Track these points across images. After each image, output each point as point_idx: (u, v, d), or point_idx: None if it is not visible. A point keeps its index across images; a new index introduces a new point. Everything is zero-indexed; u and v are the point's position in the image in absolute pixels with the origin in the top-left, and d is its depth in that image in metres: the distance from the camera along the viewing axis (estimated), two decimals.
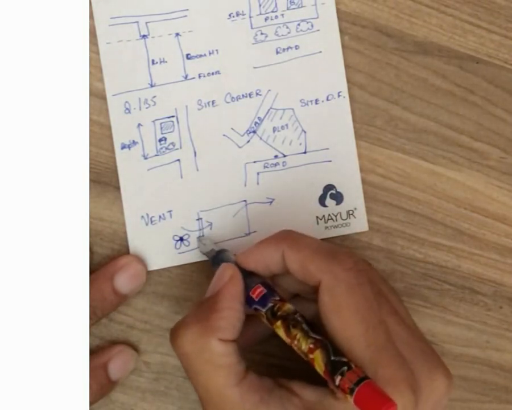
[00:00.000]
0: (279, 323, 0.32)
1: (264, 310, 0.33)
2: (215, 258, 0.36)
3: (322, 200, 0.39)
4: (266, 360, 0.39)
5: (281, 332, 0.32)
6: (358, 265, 0.33)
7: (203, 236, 0.38)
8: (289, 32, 0.39)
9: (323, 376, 0.30)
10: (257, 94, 0.39)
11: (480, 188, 0.40)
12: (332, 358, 0.30)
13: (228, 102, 0.38)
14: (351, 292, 0.32)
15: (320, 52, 0.39)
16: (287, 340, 0.32)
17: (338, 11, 0.39)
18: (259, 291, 0.33)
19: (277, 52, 0.39)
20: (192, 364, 0.32)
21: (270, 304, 0.33)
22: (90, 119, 0.38)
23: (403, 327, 0.33)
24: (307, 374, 0.32)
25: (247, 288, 0.33)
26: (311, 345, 0.31)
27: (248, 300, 0.33)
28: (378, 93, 0.39)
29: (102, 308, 0.36)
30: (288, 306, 0.32)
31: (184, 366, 0.33)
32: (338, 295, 0.32)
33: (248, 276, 0.34)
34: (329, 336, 0.31)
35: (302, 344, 0.31)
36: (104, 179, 0.38)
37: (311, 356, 0.31)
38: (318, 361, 0.30)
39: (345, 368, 0.30)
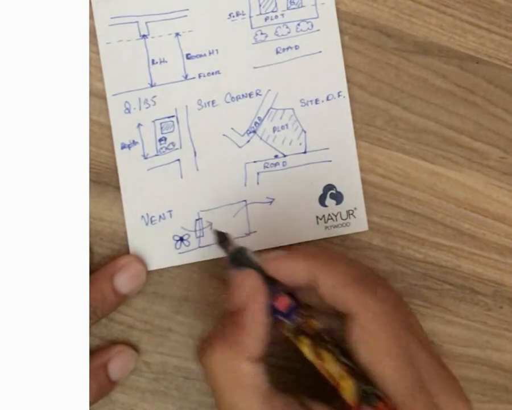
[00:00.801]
0: (306, 340, 0.31)
1: (289, 323, 0.32)
2: (235, 256, 0.34)
3: (322, 200, 0.39)
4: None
5: (306, 350, 0.31)
6: (392, 295, 0.32)
7: (226, 234, 0.36)
8: (289, 32, 0.39)
9: (351, 404, 0.30)
10: (257, 94, 0.39)
11: (480, 188, 0.40)
12: (363, 387, 0.30)
13: (228, 102, 0.38)
14: (384, 328, 0.31)
15: (320, 52, 0.39)
16: (313, 359, 0.31)
17: (338, 11, 0.39)
18: (285, 302, 0.32)
19: (277, 52, 0.39)
20: (219, 384, 0.31)
21: (297, 318, 0.32)
22: (90, 119, 0.38)
23: (430, 360, 0.32)
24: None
25: (271, 297, 0.32)
26: (341, 371, 0.30)
27: (270, 309, 0.32)
28: (378, 93, 0.39)
29: (102, 308, 0.36)
30: (315, 323, 0.32)
31: (210, 385, 0.32)
32: (370, 330, 0.31)
33: (271, 283, 0.32)
34: (357, 365, 0.31)
35: (330, 367, 0.30)
36: (104, 179, 0.38)
37: (339, 381, 0.30)
38: (347, 388, 0.30)
39: (376, 399, 0.29)
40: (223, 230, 0.35)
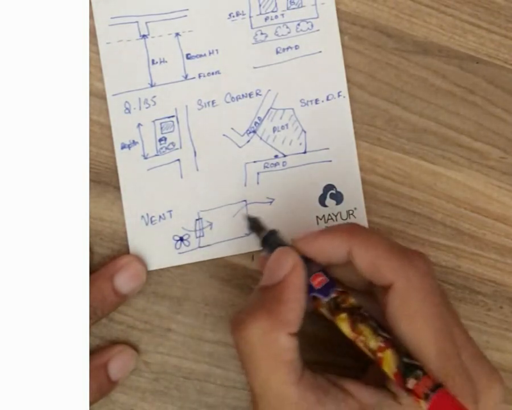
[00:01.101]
0: (343, 315, 0.31)
1: (326, 300, 0.32)
2: (267, 239, 0.35)
3: (322, 200, 0.39)
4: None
5: (344, 326, 0.31)
6: (431, 268, 0.32)
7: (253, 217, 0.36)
8: (289, 32, 0.39)
9: (393, 377, 0.30)
10: (257, 94, 0.39)
11: (480, 188, 0.40)
12: (405, 360, 0.30)
13: (228, 102, 0.38)
14: (424, 300, 0.31)
15: (320, 52, 0.39)
16: (351, 334, 0.31)
17: (338, 11, 0.39)
18: (320, 279, 0.32)
19: (277, 52, 0.39)
20: (254, 356, 0.31)
21: (333, 295, 0.31)
22: (90, 119, 0.38)
23: (466, 336, 0.32)
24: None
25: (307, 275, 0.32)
26: (381, 344, 0.30)
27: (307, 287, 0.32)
28: (378, 93, 0.39)
29: (102, 308, 0.36)
30: (352, 300, 0.31)
31: (243, 358, 0.31)
32: (411, 301, 0.31)
33: (307, 261, 0.32)
34: (395, 339, 0.31)
35: (370, 341, 0.30)
36: (104, 179, 0.38)
37: (380, 354, 0.30)
38: (388, 361, 0.30)
39: (420, 372, 0.29)
40: (255, 215, 0.36)
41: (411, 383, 0.29)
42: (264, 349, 0.31)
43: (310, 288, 0.32)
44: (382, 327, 0.31)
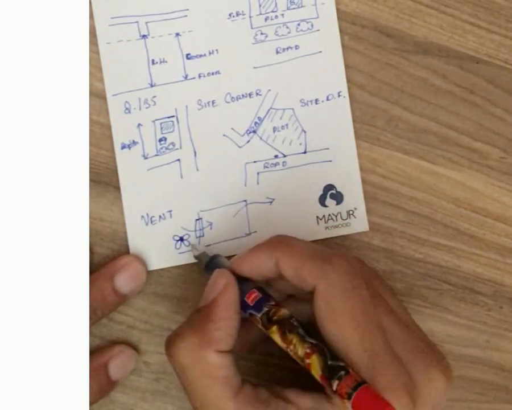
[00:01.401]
0: (274, 328, 0.32)
1: (259, 315, 0.32)
2: (209, 263, 0.36)
3: (322, 200, 0.39)
4: (264, 359, 0.39)
5: (276, 337, 0.32)
6: (353, 266, 0.32)
7: (198, 240, 0.38)
8: (289, 32, 0.39)
9: (320, 381, 0.30)
10: (257, 94, 0.39)
11: (480, 188, 0.40)
12: (329, 362, 0.30)
13: (228, 102, 0.38)
14: (346, 297, 0.31)
15: (320, 52, 0.39)
16: (283, 345, 0.31)
17: (338, 11, 0.39)
18: (254, 296, 0.33)
19: (277, 52, 0.39)
20: (188, 376, 0.32)
21: (265, 309, 0.32)
22: (90, 119, 0.38)
23: (400, 327, 0.32)
24: (303, 376, 0.31)
25: (242, 294, 0.33)
26: (307, 350, 0.31)
27: (243, 306, 0.33)
28: (378, 93, 0.39)
29: (102, 308, 0.36)
30: (284, 311, 0.32)
31: (179, 377, 0.32)
32: (333, 301, 0.31)
33: (243, 281, 0.34)
34: (325, 341, 0.31)
35: (298, 349, 0.31)
36: (104, 179, 0.38)
37: (307, 361, 0.30)
38: (315, 366, 0.30)
39: (343, 372, 0.29)
40: (195, 243, 0.38)
41: (335, 384, 0.29)
42: (194, 367, 0.31)
43: (246, 306, 0.33)
44: (311, 334, 0.31)
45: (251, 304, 0.33)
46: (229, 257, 0.35)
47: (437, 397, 0.32)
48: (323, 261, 0.32)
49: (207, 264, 0.36)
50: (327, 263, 0.32)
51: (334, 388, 0.29)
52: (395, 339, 0.32)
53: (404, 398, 0.30)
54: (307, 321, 0.32)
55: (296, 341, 0.31)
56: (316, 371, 0.30)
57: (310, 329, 0.32)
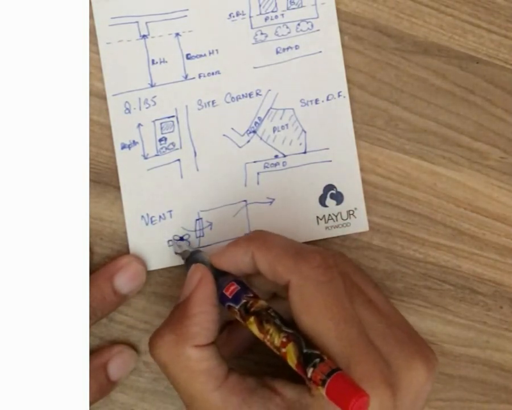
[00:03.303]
0: (252, 319, 0.32)
1: (237, 307, 0.32)
2: (189, 259, 0.36)
3: (322, 200, 0.39)
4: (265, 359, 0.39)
5: (254, 328, 0.32)
6: (327, 261, 0.32)
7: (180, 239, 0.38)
8: (289, 32, 0.39)
9: (296, 370, 0.30)
10: (257, 94, 0.39)
11: (480, 188, 0.40)
12: (304, 351, 0.30)
13: (228, 102, 0.38)
14: (319, 290, 0.31)
15: (320, 52, 0.39)
16: (260, 335, 0.32)
17: (338, 11, 0.39)
18: (232, 288, 0.33)
19: (277, 52, 0.39)
20: (171, 372, 0.32)
21: (243, 301, 0.32)
22: (90, 119, 0.38)
23: (378, 318, 0.32)
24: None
25: (221, 287, 0.33)
26: (283, 339, 0.31)
27: (222, 299, 0.33)
28: (378, 93, 0.39)
29: (102, 309, 0.36)
30: (261, 302, 0.32)
31: (165, 375, 0.33)
32: (306, 294, 0.31)
33: (222, 275, 0.34)
34: (302, 335, 0.31)
35: (275, 338, 0.31)
36: (104, 179, 0.38)
37: (283, 350, 0.31)
38: (291, 355, 0.30)
39: (317, 360, 0.29)
40: (179, 238, 0.38)
41: (310, 372, 0.29)
42: (175, 364, 0.32)
43: (225, 299, 0.33)
44: (288, 324, 0.31)
45: (230, 297, 0.33)
46: None
47: (418, 386, 0.32)
48: (297, 256, 0.32)
49: (187, 260, 0.36)
50: (300, 257, 0.32)
51: (309, 375, 0.29)
52: (374, 330, 0.32)
53: (382, 387, 0.30)
54: (287, 318, 0.32)
55: (273, 331, 0.31)
56: (292, 360, 0.30)
57: (289, 323, 0.32)
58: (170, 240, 0.38)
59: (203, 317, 0.32)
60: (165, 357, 0.32)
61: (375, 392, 0.29)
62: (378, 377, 0.30)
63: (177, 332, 0.32)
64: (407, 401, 0.31)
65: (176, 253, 0.37)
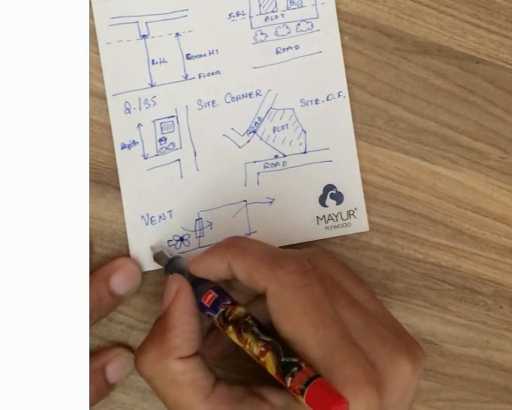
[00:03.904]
0: (230, 328, 0.31)
1: (216, 316, 0.32)
2: (168, 266, 0.36)
3: (322, 200, 0.39)
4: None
5: (234, 337, 0.31)
6: (303, 265, 0.32)
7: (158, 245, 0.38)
8: (289, 32, 0.39)
9: (276, 379, 0.30)
10: (257, 94, 0.39)
11: (480, 188, 0.40)
12: (283, 359, 0.30)
13: (228, 102, 0.38)
14: (297, 296, 0.31)
15: (320, 52, 0.39)
16: (240, 344, 0.31)
17: (338, 11, 0.39)
18: (210, 297, 0.33)
19: (277, 52, 0.39)
20: (158, 387, 0.32)
21: (221, 310, 0.32)
22: (90, 119, 0.38)
23: (361, 317, 0.32)
24: None
25: (200, 295, 0.33)
26: (262, 348, 0.30)
27: (201, 307, 0.33)
28: (378, 93, 0.39)
29: (98, 310, 0.36)
30: (239, 309, 0.32)
31: (153, 390, 0.33)
32: (284, 301, 0.31)
33: (201, 282, 0.33)
34: (283, 342, 0.31)
35: (253, 348, 0.31)
36: (104, 179, 0.38)
37: (262, 359, 0.30)
38: (270, 364, 0.30)
39: (295, 369, 0.29)
40: (157, 246, 0.37)
41: (289, 381, 0.29)
42: (161, 379, 0.32)
43: (204, 308, 0.33)
44: (267, 332, 0.31)
45: (208, 306, 0.33)
46: None
47: (404, 382, 0.31)
48: (273, 263, 0.32)
49: (166, 267, 0.36)
50: (276, 265, 0.32)
51: (288, 384, 0.29)
52: (357, 331, 0.31)
53: (367, 388, 0.29)
54: (267, 323, 0.32)
55: (251, 340, 0.31)
56: (271, 369, 0.30)
57: (268, 330, 0.31)
58: (171, 240, 0.38)
59: (184, 328, 0.32)
60: (150, 372, 0.32)
61: (360, 393, 0.29)
62: (362, 378, 0.30)
63: (159, 346, 0.32)
64: (394, 399, 0.31)
65: (154, 259, 0.37)
